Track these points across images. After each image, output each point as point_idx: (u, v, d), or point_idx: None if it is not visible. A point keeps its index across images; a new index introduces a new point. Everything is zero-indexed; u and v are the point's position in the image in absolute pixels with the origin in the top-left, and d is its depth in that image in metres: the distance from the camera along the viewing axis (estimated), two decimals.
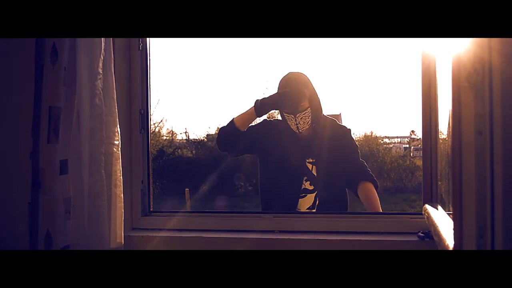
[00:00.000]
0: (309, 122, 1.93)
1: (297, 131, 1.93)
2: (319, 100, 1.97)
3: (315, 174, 1.96)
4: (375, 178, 1.96)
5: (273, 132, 1.99)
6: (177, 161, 12.37)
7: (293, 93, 1.87)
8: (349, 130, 2.05)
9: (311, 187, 1.96)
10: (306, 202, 1.96)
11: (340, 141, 1.99)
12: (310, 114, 1.91)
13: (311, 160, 1.97)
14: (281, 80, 1.96)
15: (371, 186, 1.93)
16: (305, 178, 1.96)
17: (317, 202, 1.95)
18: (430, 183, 1.49)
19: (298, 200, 1.95)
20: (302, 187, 1.95)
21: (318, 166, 1.96)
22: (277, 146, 1.96)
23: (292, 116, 1.90)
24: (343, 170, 1.96)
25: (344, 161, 1.96)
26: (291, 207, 1.94)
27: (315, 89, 1.96)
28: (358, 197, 1.95)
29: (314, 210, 1.94)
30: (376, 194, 1.92)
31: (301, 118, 1.89)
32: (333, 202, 1.94)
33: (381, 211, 1.90)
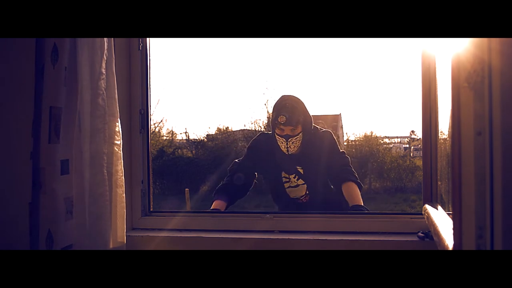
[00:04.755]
0: (299, 145, 2.15)
1: (286, 153, 2.16)
2: (311, 122, 2.17)
3: (302, 172, 2.25)
4: (358, 180, 2.12)
5: (267, 154, 2.23)
6: (177, 161, 12.36)
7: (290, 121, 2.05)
8: (330, 133, 2.25)
9: (302, 182, 2.24)
10: (298, 192, 2.27)
11: (323, 148, 2.21)
12: (301, 138, 2.14)
13: (300, 168, 2.24)
14: (276, 105, 2.14)
15: (353, 185, 2.08)
16: (295, 176, 2.25)
17: (307, 192, 2.26)
18: (430, 183, 1.49)
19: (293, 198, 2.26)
20: (295, 184, 2.26)
21: (305, 169, 2.24)
22: (272, 166, 2.25)
23: (284, 139, 2.12)
24: (326, 170, 2.21)
25: (326, 163, 2.19)
26: (290, 202, 2.26)
27: (307, 110, 2.16)
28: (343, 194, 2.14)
29: (307, 198, 2.27)
30: (358, 191, 2.07)
31: (292, 142, 2.12)
32: (321, 192, 2.23)
33: (362, 203, 2.02)
